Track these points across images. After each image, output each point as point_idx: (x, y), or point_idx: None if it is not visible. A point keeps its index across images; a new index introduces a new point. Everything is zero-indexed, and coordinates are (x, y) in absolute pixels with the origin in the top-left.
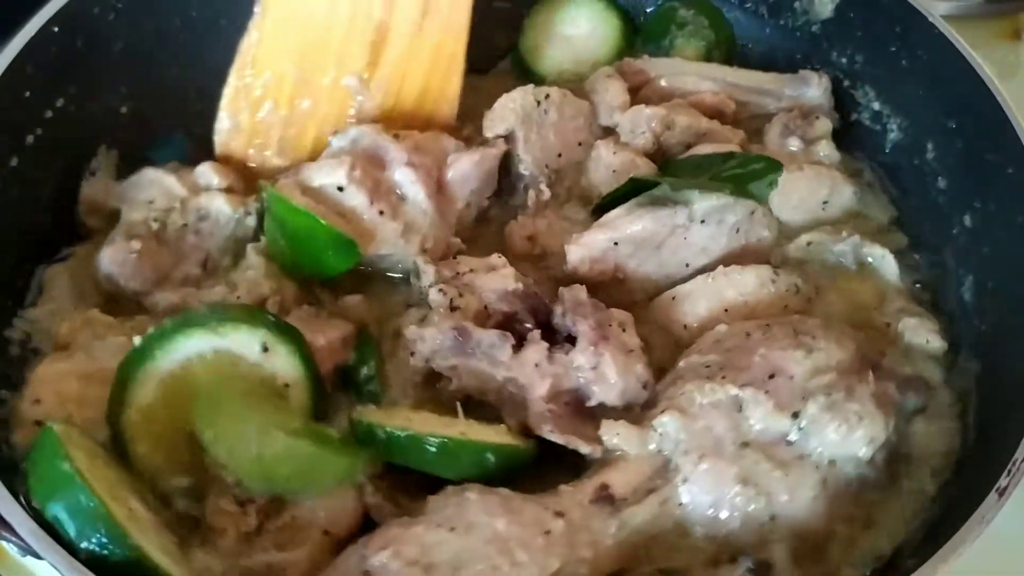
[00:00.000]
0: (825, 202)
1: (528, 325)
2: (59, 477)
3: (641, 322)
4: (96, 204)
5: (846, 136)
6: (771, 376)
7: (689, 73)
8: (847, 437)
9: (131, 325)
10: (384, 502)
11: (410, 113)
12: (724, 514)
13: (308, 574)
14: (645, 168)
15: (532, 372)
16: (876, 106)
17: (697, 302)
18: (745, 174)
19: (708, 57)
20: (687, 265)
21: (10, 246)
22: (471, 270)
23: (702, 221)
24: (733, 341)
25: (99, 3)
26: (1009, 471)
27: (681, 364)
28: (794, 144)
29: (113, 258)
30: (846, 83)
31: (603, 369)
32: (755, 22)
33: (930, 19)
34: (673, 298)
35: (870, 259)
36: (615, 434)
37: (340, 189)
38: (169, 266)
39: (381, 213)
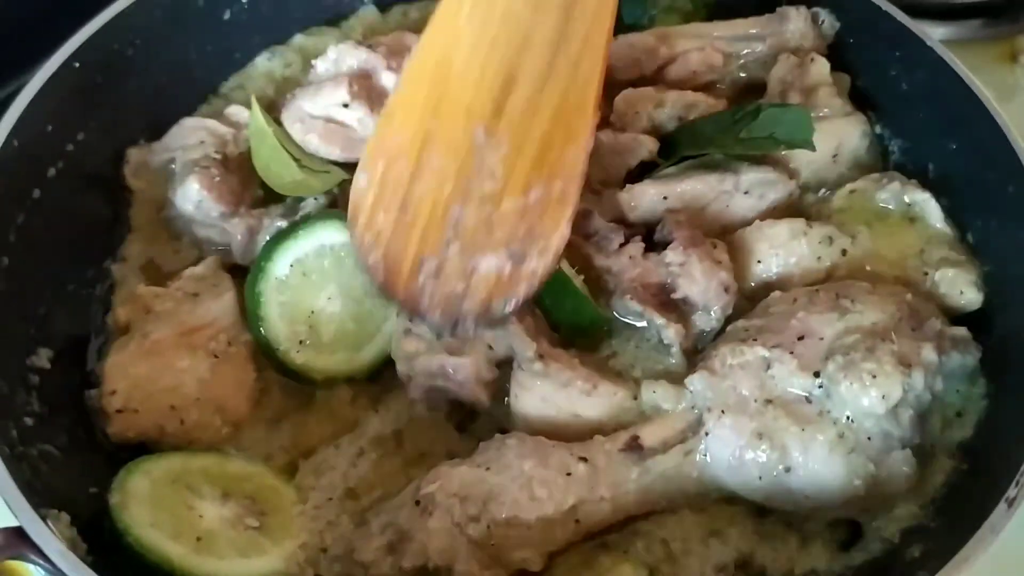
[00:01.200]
0: (835, 155)
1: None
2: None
3: None
4: (141, 163)
5: None
6: (800, 338)
7: (678, 35)
8: (859, 394)
9: (176, 286)
10: (521, 333)
11: (532, 162)
12: (744, 465)
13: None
14: (649, 144)
15: (626, 262)
16: (877, 129)
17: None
18: (779, 128)
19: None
20: (724, 231)
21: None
22: None
23: (746, 192)
24: (780, 307)
25: (118, 39)
26: (1018, 481)
27: (728, 328)
28: (794, 99)
29: (201, 183)
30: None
31: (689, 267)
32: None
33: (928, 43)
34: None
35: (913, 205)
36: (652, 391)
37: (345, 106)
38: (239, 191)
39: None
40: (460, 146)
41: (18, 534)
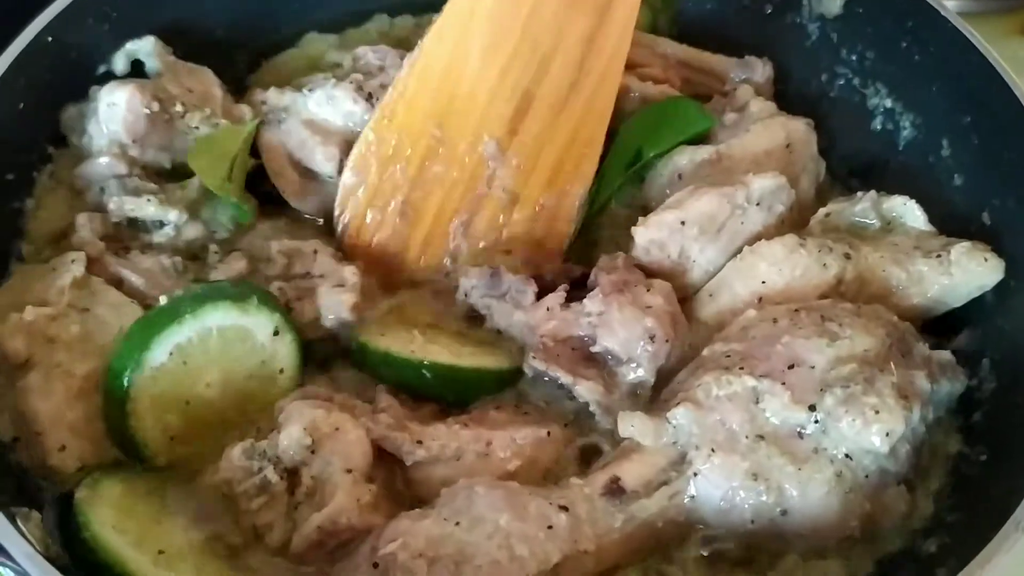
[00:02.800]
0: (788, 145)
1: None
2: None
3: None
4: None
5: (861, 137)
6: (791, 366)
7: (642, 46)
8: (862, 431)
9: (62, 304)
10: (389, 431)
11: (542, 186)
12: (735, 508)
13: (358, 513)
14: None
15: (543, 314)
16: (888, 103)
17: (733, 286)
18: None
19: (654, 24)
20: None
21: None
22: None
23: (757, 204)
24: (759, 329)
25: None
26: None
27: (705, 352)
28: (729, 119)
29: (131, 94)
30: (857, 81)
31: (608, 316)
32: (761, 20)
33: (943, 13)
34: (711, 295)
35: (893, 212)
36: (630, 425)
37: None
38: (149, 137)
39: None
40: (469, 159)
41: None
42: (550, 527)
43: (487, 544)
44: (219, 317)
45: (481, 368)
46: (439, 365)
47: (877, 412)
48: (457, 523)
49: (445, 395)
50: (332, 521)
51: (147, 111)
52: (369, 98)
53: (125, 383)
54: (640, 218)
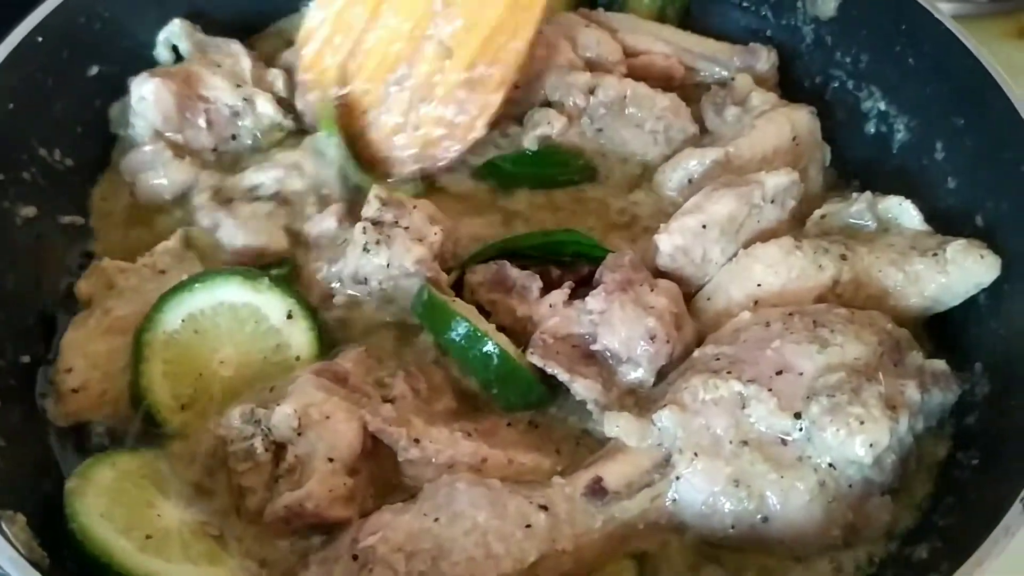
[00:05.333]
0: (794, 138)
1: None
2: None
3: None
4: (179, 35)
5: (855, 140)
6: (779, 372)
7: (646, 32)
8: (846, 441)
9: (143, 262)
10: (386, 425)
11: (477, 49)
12: (716, 513)
13: (327, 503)
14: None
15: (545, 311)
16: (882, 106)
17: (728, 289)
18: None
19: (662, 14)
20: None
21: None
22: None
23: (772, 201)
24: (751, 332)
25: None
26: None
27: (695, 354)
28: (731, 114)
29: (156, 84)
30: (851, 84)
31: (609, 315)
32: (757, 22)
33: (936, 16)
34: (709, 299)
35: (888, 213)
36: (615, 424)
37: None
38: (183, 116)
39: None
40: (417, 9)
41: None
42: (528, 526)
43: (464, 540)
44: (230, 292)
45: (534, 378)
46: (508, 356)
47: (862, 423)
48: (436, 519)
49: (493, 386)
50: (300, 504)
51: (175, 99)
52: None
53: (141, 342)
54: (662, 225)
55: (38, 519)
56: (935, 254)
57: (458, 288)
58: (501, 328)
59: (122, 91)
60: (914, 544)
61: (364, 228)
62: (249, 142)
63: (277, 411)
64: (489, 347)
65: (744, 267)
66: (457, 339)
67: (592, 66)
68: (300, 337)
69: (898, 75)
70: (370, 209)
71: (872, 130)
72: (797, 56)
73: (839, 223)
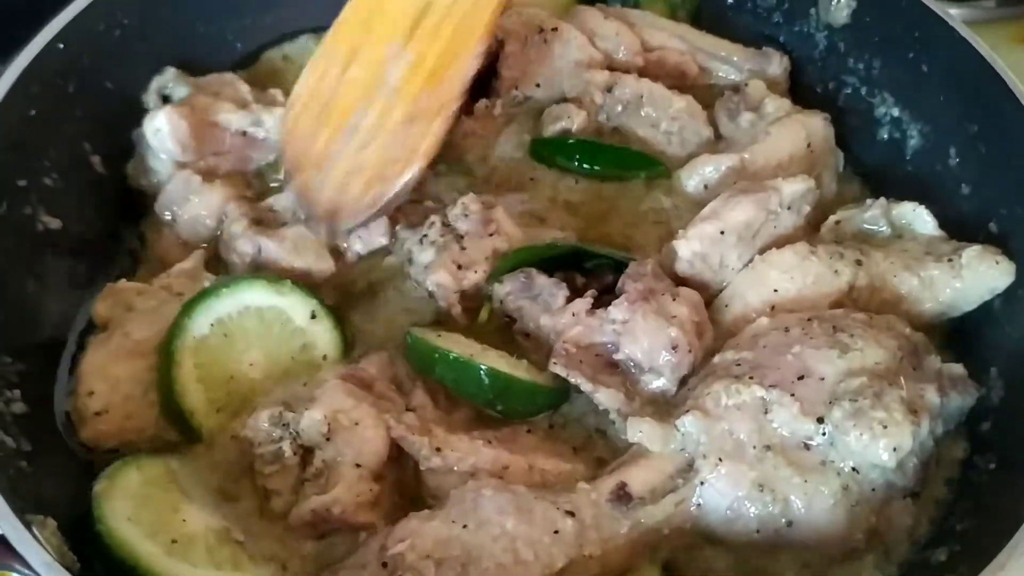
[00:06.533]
0: (809, 145)
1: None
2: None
3: None
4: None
5: (868, 146)
6: (800, 377)
7: (661, 28)
8: (869, 445)
9: (160, 283)
10: (409, 433)
11: (421, 83)
12: (741, 518)
13: (353, 508)
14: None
15: (568, 320)
16: (895, 112)
17: (745, 295)
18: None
19: (674, 14)
20: None
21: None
22: None
23: (788, 207)
24: (770, 338)
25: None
26: None
27: (715, 360)
28: (746, 120)
29: (169, 115)
30: (864, 90)
31: (632, 325)
32: (770, 28)
33: (949, 22)
34: (727, 305)
35: (903, 219)
36: (638, 430)
37: None
38: (201, 146)
39: None
40: (376, 59)
41: (1, 543)
42: (556, 532)
43: (493, 547)
44: (255, 296)
45: (536, 383)
46: (499, 372)
47: (885, 427)
48: (464, 525)
49: (495, 403)
50: (326, 508)
51: (189, 124)
52: None
53: (171, 348)
54: (680, 231)
55: (68, 524)
56: (950, 260)
57: None
58: (524, 336)
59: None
60: (933, 548)
61: (433, 223)
62: (272, 158)
63: (306, 416)
64: (476, 370)
65: (760, 273)
66: (444, 372)
67: (609, 58)
68: (325, 336)
69: (911, 81)
70: (455, 210)
71: (885, 136)
72: (810, 62)
73: (853, 229)
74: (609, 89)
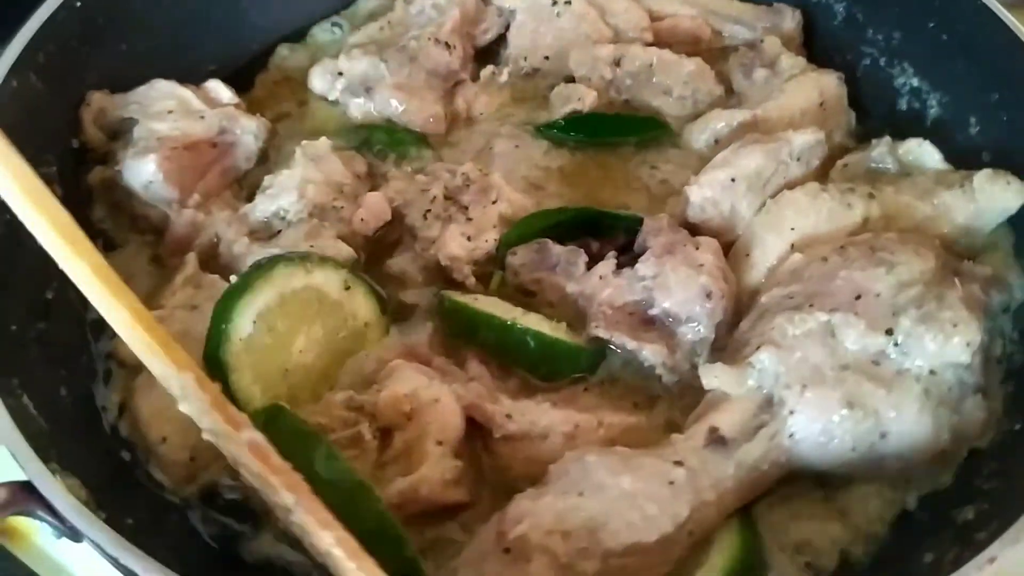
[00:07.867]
0: (821, 103)
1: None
2: None
3: None
4: (103, 111)
5: (887, 116)
6: (857, 297)
7: None
8: (945, 345)
9: (172, 304)
10: (482, 402)
11: None
12: (835, 439)
13: (441, 487)
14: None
15: (597, 283)
16: (915, 82)
17: (765, 239)
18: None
19: None
20: None
21: None
22: None
23: (798, 158)
24: (811, 269)
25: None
26: None
27: (763, 300)
28: (760, 75)
29: (159, 165)
30: (883, 60)
31: (664, 278)
32: (788, 2)
33: None
34: (747, 254)
35: (909, 155)
36: (714, 376)
37: None
38: (195, 180)
39: None
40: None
41: (25, 488)
42: (671, 482)
43: (616, 507)
44: (288, 280)
45: (580, 345)
46: (544, 335)
47: (955, 325)
48: (580, 493)
49: (540, 367)
50: (414, 489)
51: (178, 166)
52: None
53: (221, 357)
54: (692, 177)
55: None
56: (961, 186)
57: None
58: (548, 306)
59: None
60: (961, 506)
61: (435, 196)
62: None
63: (383, 396)
64: (523, 333)
65: (775, 214)
66: (488, 336)
67: (618, 35)
68: (362, 304)
69: (930, 51)
70: (455, 181)
71: (904, 107)
72: (828, 33)
73: (861, 169)
74: (617, 63)
